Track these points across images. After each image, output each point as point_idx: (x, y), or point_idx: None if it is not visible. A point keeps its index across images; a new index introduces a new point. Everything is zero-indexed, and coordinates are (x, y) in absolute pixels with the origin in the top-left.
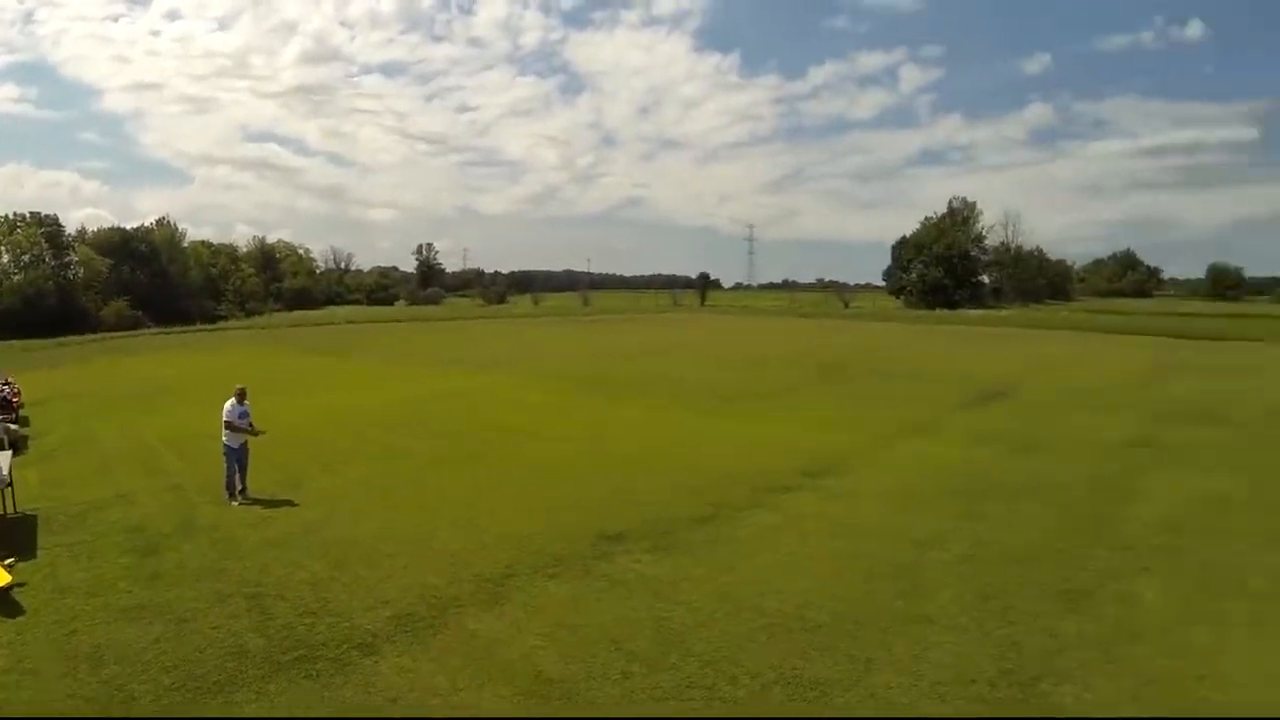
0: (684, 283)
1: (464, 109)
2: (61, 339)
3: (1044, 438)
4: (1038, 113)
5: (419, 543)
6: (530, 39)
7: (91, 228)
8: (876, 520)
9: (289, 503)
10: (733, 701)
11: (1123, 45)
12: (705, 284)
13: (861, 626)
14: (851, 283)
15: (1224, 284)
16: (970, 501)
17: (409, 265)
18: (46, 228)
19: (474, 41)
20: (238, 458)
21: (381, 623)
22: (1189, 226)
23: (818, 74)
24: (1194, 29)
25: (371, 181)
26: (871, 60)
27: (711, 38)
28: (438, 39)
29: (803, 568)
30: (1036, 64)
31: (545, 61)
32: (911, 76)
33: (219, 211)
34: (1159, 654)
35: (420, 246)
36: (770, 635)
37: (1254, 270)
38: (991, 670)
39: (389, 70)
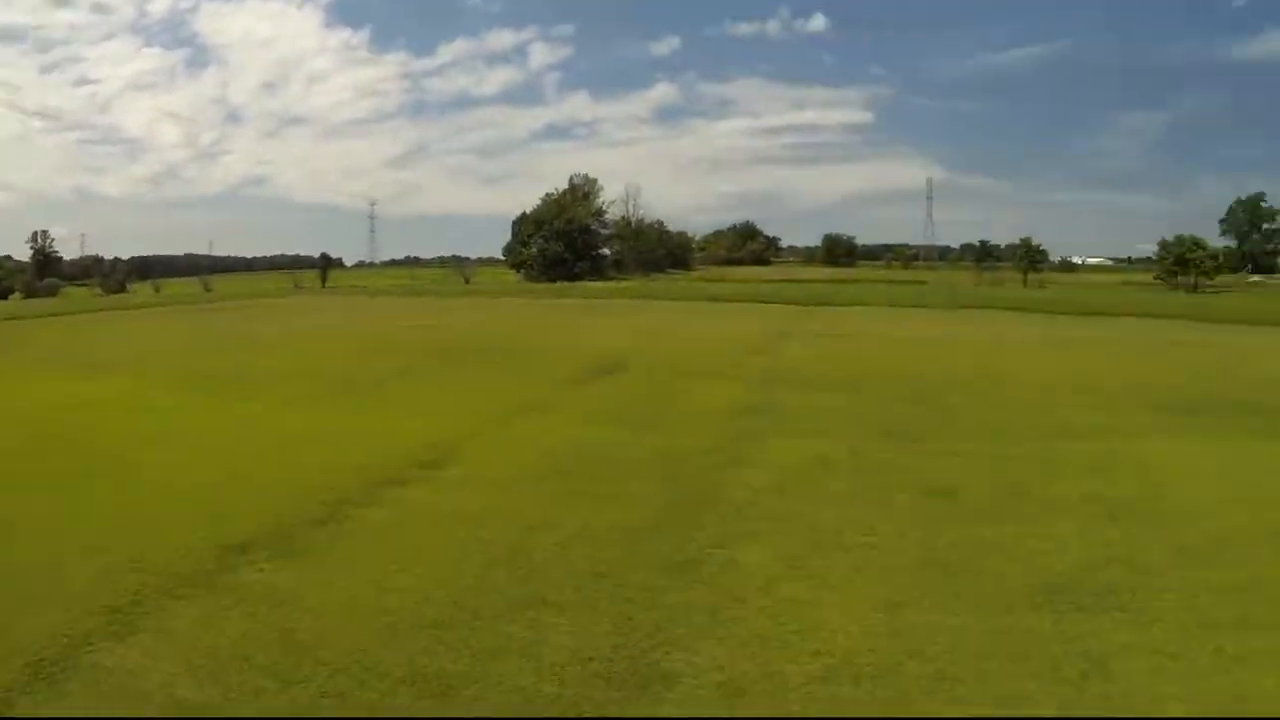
0: (308, 263)
1: (83, 81)
2: None
3: (657, 410)
4: (664, 92)
5: (47, 577)
6: (158, 7)
7: None
8: (491, 507)
9: None
10: (365, 705)
11: (750, 32)
12: (326, 264)
13: (480, 617)
14: (474, 257)
15: (838, 252)
16: (583, 480)
17: (25, 253)
18: None
19: (99, 7)
20: None
21: (15, 673)
22: (807, 199)
23: (447, 51)
24: (817, 21)
25: None
26: (502, 38)
27: (343, 12)
28: (60, 3)
29: (421, 562)
30: (665, 46)
31: (172, 32)
32: (541, 54)
33: None
34: (761, 614)
35: (35, 234)
36: (394, 634)
37: (865, 239)
38: (606, 647)
39: (4, 36)
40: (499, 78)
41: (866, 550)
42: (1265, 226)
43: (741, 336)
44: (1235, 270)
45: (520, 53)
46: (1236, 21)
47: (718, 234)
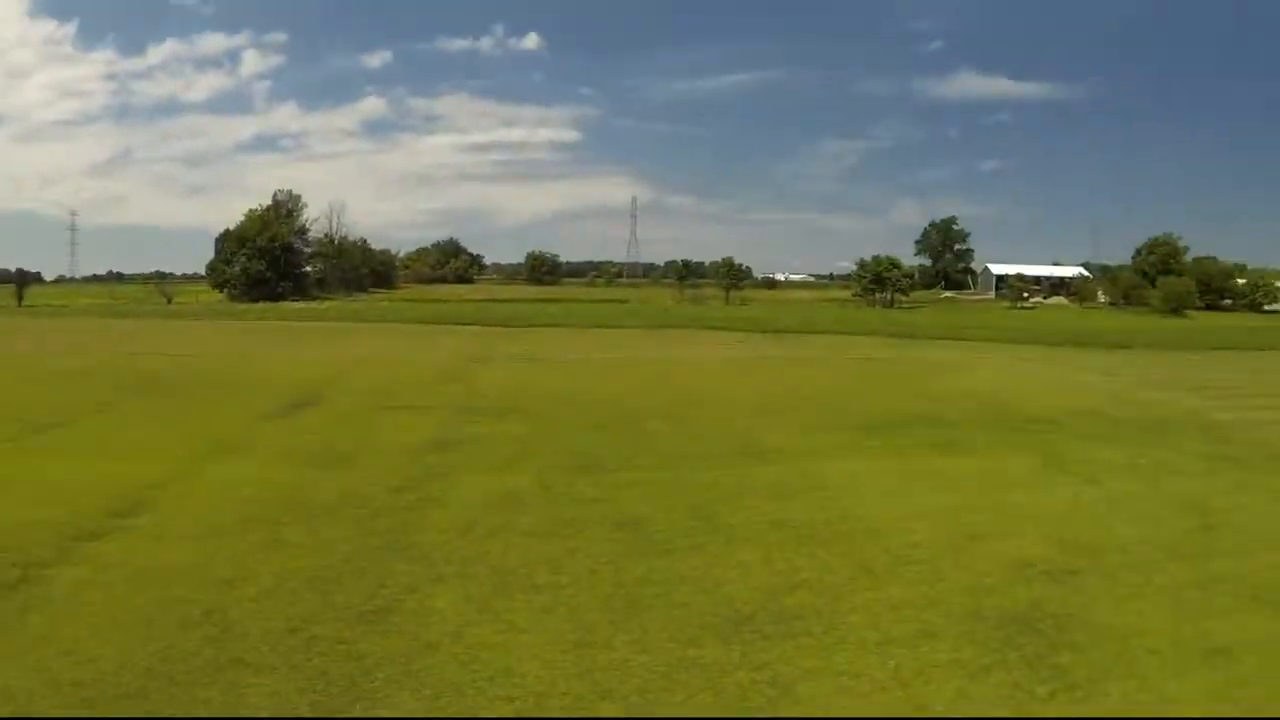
0: (1, 277)
1: None
2: None
3: (351, 447)
4: (374, 105)
5: None
6: None
7: None
8: (185, 561)
9: None
10: None
11: (463, 48)
12: (23, 279)
13: (178, 683)
14: (180, 274)
15: (541, 270)
16: (276, 528)
17: None
18: None
19: None
20: None
21: None
22: (513, 216)
23: (157, 53)
24: (531, 40)
25: None
26: (214, 42)
27: (49, 2)
28: None
29: (116, 626)
30: (377, 59)
31: None
32: (252, 61)
33: None
34: (453, 661)
35: None
36: (91, 708)
37: (570, 256)
38: (304, 705)
39: None
40: (209, 83)
41: (556, 589)
42: (957, 246)
43: (439, 362)
44: (929, 287)
45: (232, 58)
46: (932, 62)
47: (421, 252)
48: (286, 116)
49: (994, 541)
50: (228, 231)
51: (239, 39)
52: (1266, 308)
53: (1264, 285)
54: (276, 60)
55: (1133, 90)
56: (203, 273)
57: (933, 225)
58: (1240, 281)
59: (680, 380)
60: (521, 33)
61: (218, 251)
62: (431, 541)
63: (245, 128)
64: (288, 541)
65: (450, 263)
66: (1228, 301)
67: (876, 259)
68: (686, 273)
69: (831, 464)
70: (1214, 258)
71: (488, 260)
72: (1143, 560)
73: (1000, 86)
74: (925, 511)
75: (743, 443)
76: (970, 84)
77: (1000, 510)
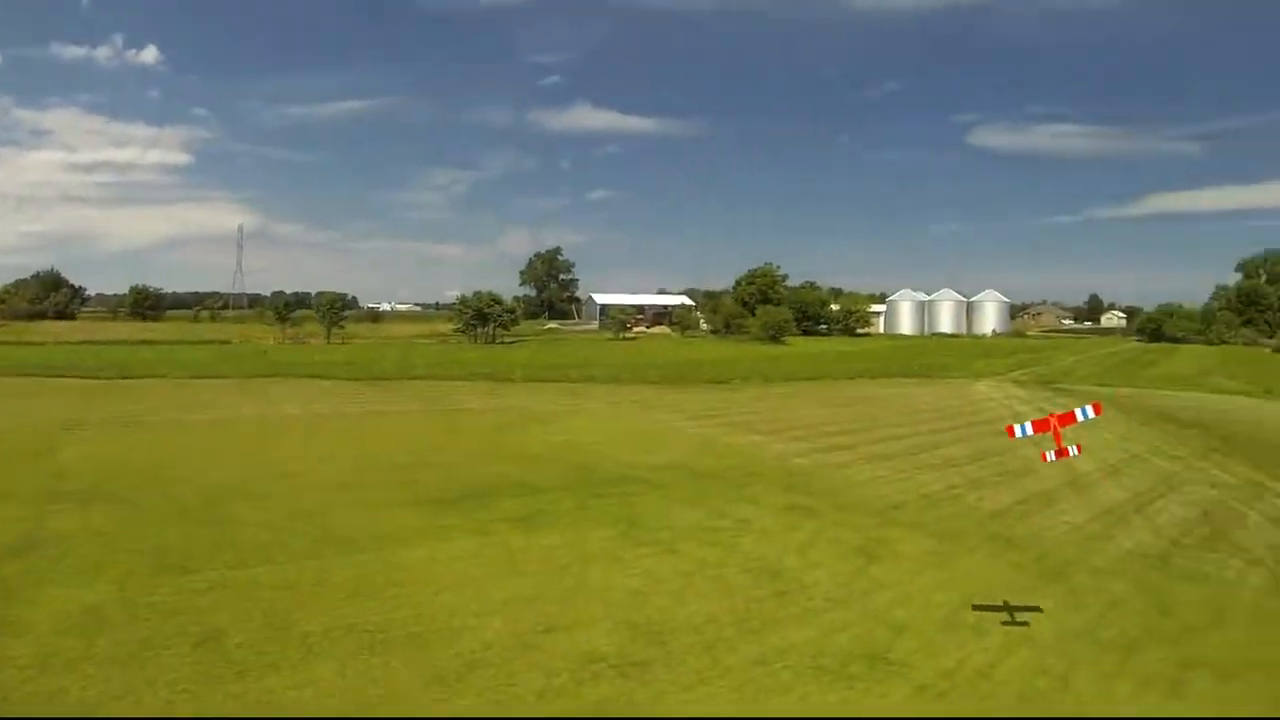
0: None
1: None
2: None
3: None
4: None
5: None
6: None
7: None
8: None
9: None
10: None
11: (78, 56)
12: None
13: None
14: None
15: (145, 304)
16: None
17: None
18: None
19: None
20: None
21: None
22: (118, 242)
23: None
24: (150, 54)
25: None
26: None
27: None
28: None
29: None
30: None
31: None
32: None
33: None
34: None
35: None
36: None
37: (178, 286)
38: None
39: None
40: None
41: None
42: (561, 276)
43: (27, 431)
44: (535, 316)
45: None
46: (548, 95)
47: (19, 284)
48: None
49: (566, 634)
50: None
51: None
52: (859, 331)
53: (857, 311)
54: None
55: (737, 126)
56: None
57: (538, 255)
58: (835, 308)
59: (267, 448)
60: (141, 44)
61: None
62: (8, 681)
63: None
64: None
65: (51, 296)
66: (824, 327)
67: (478, 294)
68: (287, 310)
69: (409, 551)
70: (813, 283)
71: (91, 291)
72: (712, 639)
73: (612, 120)
74: (500, 603)
75: (322, 528)
76: (584, 117)
77: (575, 595)
